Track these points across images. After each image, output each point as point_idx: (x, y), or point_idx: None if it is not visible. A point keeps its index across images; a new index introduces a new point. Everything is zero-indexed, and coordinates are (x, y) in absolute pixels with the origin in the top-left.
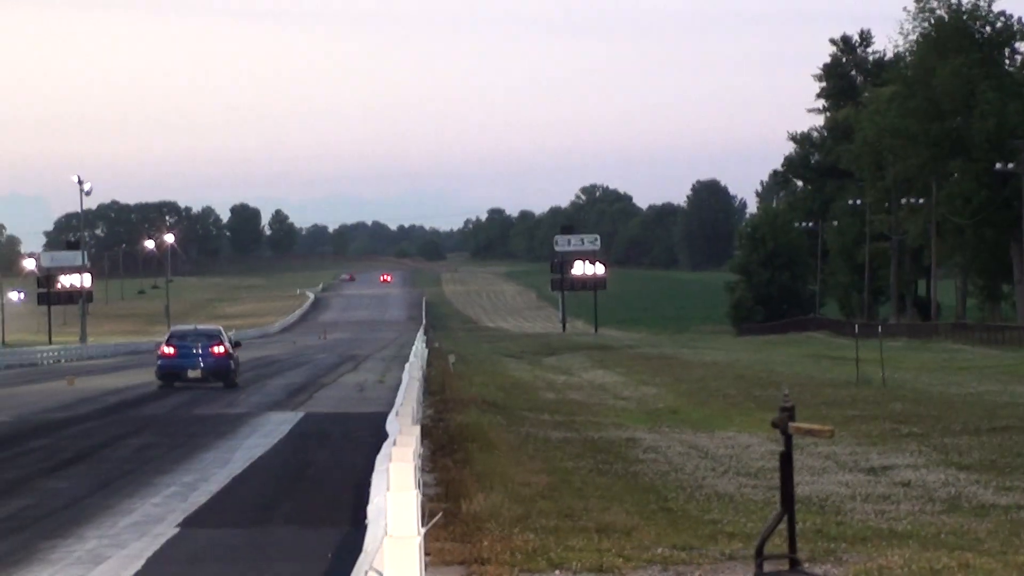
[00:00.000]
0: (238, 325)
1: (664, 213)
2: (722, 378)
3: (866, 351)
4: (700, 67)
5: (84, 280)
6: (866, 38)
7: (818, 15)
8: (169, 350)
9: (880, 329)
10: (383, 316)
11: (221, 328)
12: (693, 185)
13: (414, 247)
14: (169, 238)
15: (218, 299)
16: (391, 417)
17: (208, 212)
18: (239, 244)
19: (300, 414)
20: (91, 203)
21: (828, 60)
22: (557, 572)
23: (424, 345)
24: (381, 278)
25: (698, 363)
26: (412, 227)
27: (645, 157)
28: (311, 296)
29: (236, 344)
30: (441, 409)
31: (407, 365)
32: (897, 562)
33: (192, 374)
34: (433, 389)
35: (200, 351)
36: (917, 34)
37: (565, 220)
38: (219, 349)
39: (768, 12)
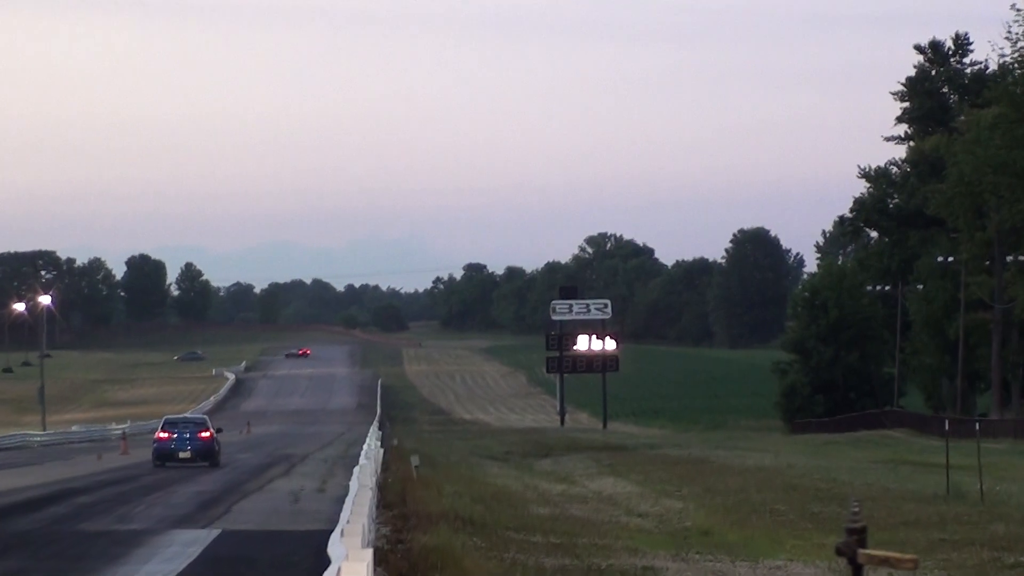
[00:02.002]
0: (134, 415)
1: (695, 272)
2: (769, 489)
3: (959, 455)
4: (743, 84)
5: None
6: (962, 45)
7: (900, 16)
8: (164, 435)
9: (978, 427)
10: (326, 404)
11: (207, 416)
12: (733, 236)
13: (367, 313)
14: (45, 299)
15: (109, 380)
16: (335, 537)
17: (97, 265)
18: (137, 308)
19: (215, 532)
20: None
21: (912, 73)
22: None
23: (379, 443)
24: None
25: (738, 469)
26: (364, 287)
27: (671, 199)
28: (231, 377)
29: (218, 430)
30: (401, 527)
31: (356, 469)
32: None
33: (183, 455)
34: (391, 501)
35: (189, 435)
36: None
37: (565, 280)
38: (205, 434)
39: (834, 13)
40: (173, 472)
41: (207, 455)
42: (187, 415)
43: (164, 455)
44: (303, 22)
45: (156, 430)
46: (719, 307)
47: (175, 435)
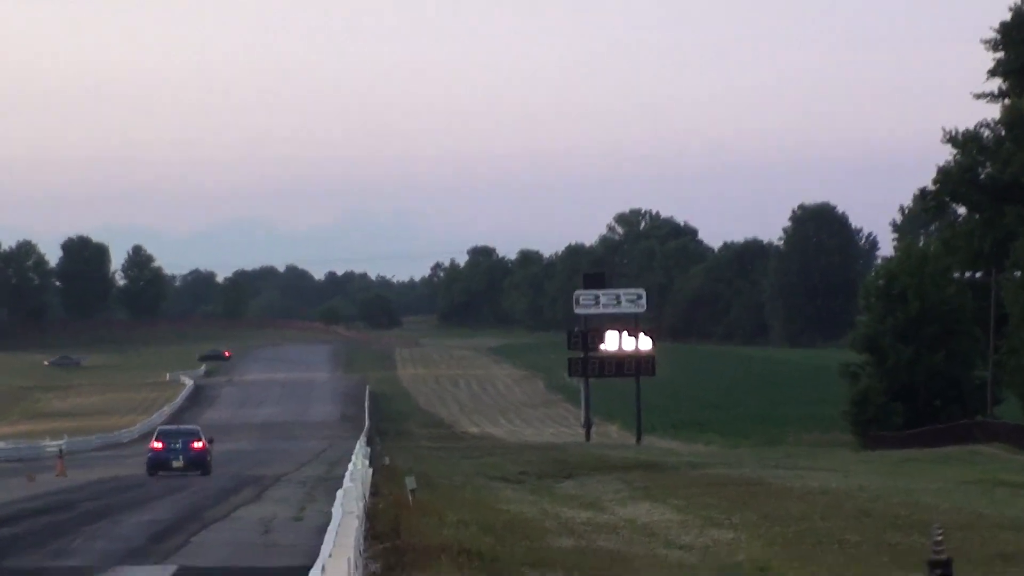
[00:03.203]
0: (72, 429)
1: (747, 256)
2: (837, 516)
3: None
4: (802, 35)
5: None
6: None
7: None
8: (158, 445)
9: None
10: (303, 415)
11: (199, 427)
12: (793, 212)
13: (351, 306)
14: None
15: (42, 387)
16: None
17: (26, 250)
18: (76, 301)
19: (169, 569)
20: None
21: (1008, 17)
22: None
23: (367, 461)
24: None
25: (799, 492)
26: (349, 275)
27: (717, 169)
28: (188, 383)
29: (210, 440)
30: (393, 563)
31: (340, 492)
32: None
33: (176, 464)
34: (381, 531)
35: (182, 446)
36: None
37: (591, 266)
38: (198, 444)
39: None
40: (118, 497)
41: (199, 464)
42: (180, 426)
43: (158, 464)
44: None
45: (150, 439)
46: (776, 298)
47: (168, 445)
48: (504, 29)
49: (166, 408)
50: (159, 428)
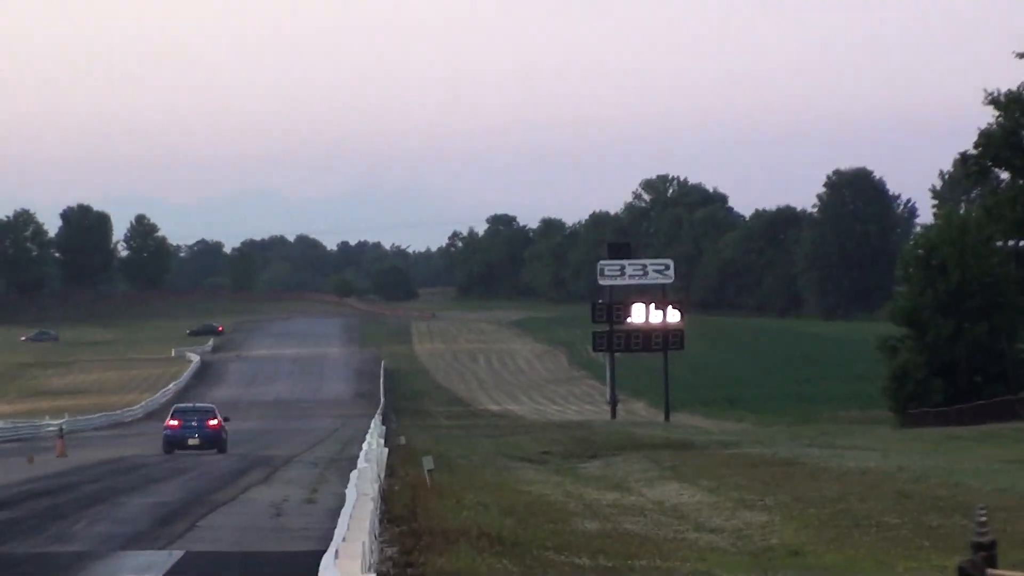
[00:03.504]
0: (72, 407)
1: (780, 224)
2: (875, 497)
3: None
4: None
5: None
6: None
7: None
8: (173, 423)
9: None
10: (315, 392)
11: (214, 406)
12: (827, 178)
13: (366, 278)
14: None
15: (41, 363)
16: (327, 560)
17: (24, 220)
18: (76, 273)
19: (176, 554)
20: None
21: None
22: None
23: (382, 441)
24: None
25: (836, 472)
26: (362, 245)
27: (748, 133)
28: (195, 359)
29: (226, 419)
30: (410, 547)
31: (353, 474)
32: None
33: (192, 442)
34: (398, 514)
35: (197, 423)
36: None
37: (616, 235)
38: (214, 422)
39: None
40: (122, 479)
41: (215, 442)
42: (196, 404)
43: (174, 443)
44: None
45: (166, 419)
46: (810, 268)
47: (184, 423)
48: None
49: (171, 385)
50: (175, 406)
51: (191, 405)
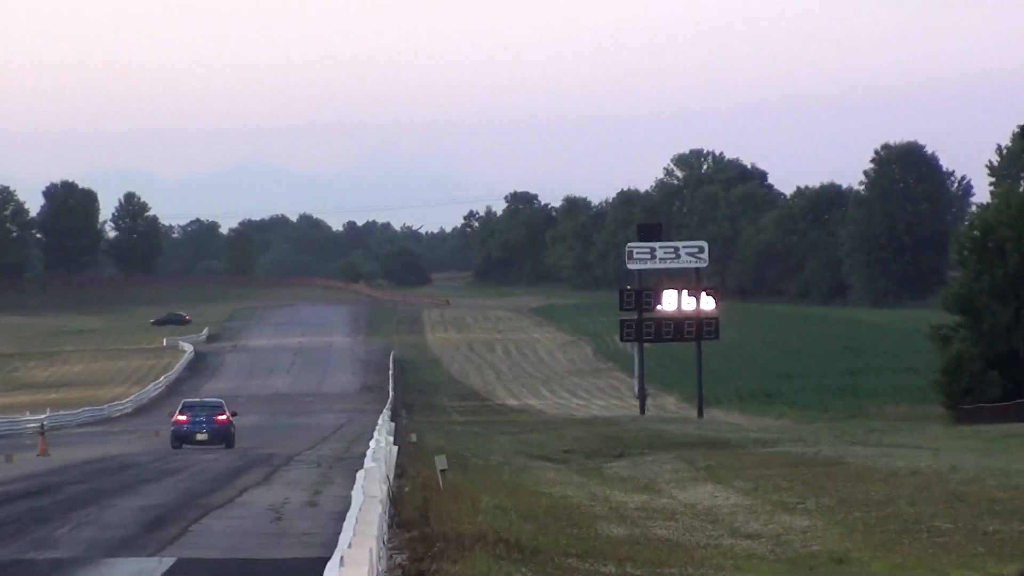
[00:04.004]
0: (56, 402)
1: (823, 203)
2: (926, 500)
3: None
4: None
5: None
6: None
7: None
8: (182, 418)
9: None
10: (319, 386)
11: (223, 400)
12: (876, 153)
13: (374, 261)
14: None
15: (21, 354)
16: (331, 569)
17: (4, 197)
18: (60, 255)
19: (167, 562)
20: None
21: None
22: None
23: (392, 438)
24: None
25: (883, 473)
26: (371, 226)
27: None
28: (188, 349)
29: (234, 414)
30: (422, 554)
31: (360, 474)
32: None
33: (200, 437)
34: (408, 518)
35: (205, 418)
36: None
37: (646, 215)
38: (222, 417)
39: None
40: (109, 480)
41: (223, 437)
42: (204, 399)
43: (182, 437)
44: None
45: (174, 413)
46: (856, 251)
47: (192, 418)
48: None
49: (162, 379)
50: (183, 401)
51: (199, 400)
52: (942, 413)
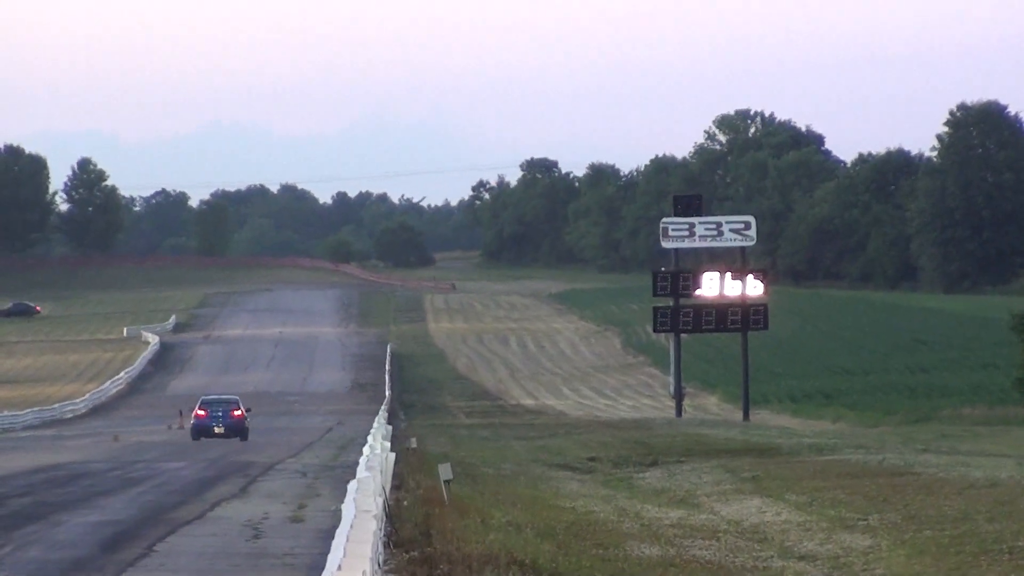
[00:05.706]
0: None
1: (889, 172)
2: (1008, 516)
3: None
4: None
5: None
6: None
7: None
8: (201, 413)
9: None
10: (303, 383)
11: (238, 397)
12: (950, 115)
13: (368, 239)
14: None
15: None
16: None
17: None
18: (3, 231)
19: None
20: None
21: None
22: None
23: (388, 444)
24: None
25: (958, 485)
26: (365, 198)
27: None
28: (153, 341)
29: (248, 409)
30: None
31: (351, 485)
32: None
33: (217, 431)
34: (407, 536)
35: (223, 413)
36: None
37: (684, 186)
38: (238, 412)
39: None
40: (60, 491)
41: (238, 431)
42: (221, 396)
43: (201, 431)
44: None
45: (194, 409)
46: (928, 228)
47: (211, 413)
48: None
49: (122, 374)
50: (202, 398)
51: (217, 396)
52: None
